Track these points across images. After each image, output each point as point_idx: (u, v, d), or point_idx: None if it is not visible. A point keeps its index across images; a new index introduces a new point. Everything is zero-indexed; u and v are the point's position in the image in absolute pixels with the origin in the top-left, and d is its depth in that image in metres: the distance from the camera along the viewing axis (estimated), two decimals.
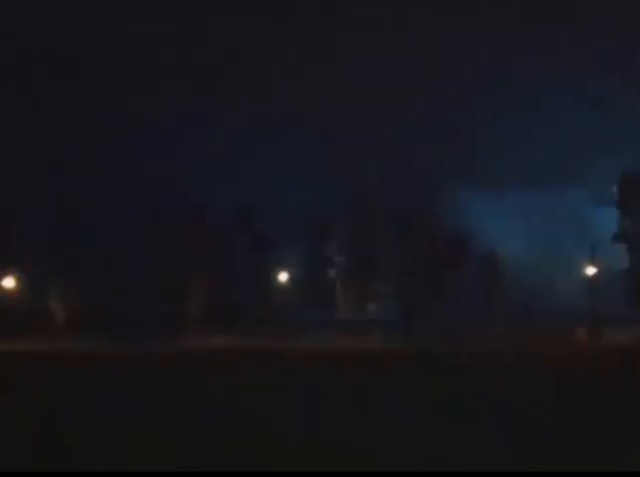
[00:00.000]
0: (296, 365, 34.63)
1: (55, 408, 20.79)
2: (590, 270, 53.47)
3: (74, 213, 58.92)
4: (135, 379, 29.12)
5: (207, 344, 48.24)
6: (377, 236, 60.63)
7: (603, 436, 15.91)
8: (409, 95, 58.38)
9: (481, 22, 58.97)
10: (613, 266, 55.44)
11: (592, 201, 57.86)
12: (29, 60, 59.97)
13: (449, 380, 27.31)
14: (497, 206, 57.98)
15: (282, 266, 60.66)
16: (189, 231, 59.04)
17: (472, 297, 55.27)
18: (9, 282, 56.15)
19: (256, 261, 61.09)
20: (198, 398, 22.91)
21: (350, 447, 14.92)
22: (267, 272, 60.81)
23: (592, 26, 57.26)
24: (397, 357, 38.91)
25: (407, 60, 59.67)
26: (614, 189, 57.23)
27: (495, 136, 58.45)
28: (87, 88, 60.00)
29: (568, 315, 51.01)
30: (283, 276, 60.89)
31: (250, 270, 61.20)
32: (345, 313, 61.15)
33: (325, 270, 63.79)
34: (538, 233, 56.74)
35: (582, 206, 57.63)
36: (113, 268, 58.05)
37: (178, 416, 19.17)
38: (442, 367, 33.06)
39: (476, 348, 42.01)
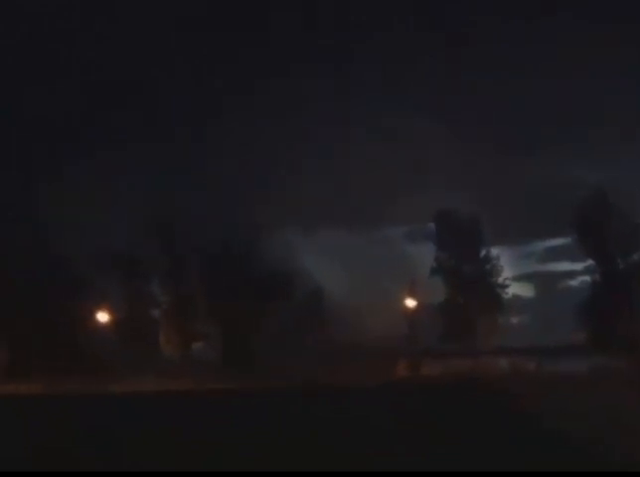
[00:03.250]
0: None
1: None
2: (410, 303, 54.76)
3: None
4: None
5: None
6: (197, 275, 59.59)
7: None
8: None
9: None
10: (431, 300, 57.24)
11: (409, 237, 59.80)
12: None
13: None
14: (317, 246, 58.83)
15: (102, 306, 58.26)
16: None
17: (296, 334, 55.50)
18: None
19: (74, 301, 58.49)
20: None
21: None
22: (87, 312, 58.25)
23: None
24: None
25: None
26: (431, 225, 59.34)
27: (312, 180, 59.70)
28: None
29: (390, 349, 52.07)
30: (103, 317, 58.37)
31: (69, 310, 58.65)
32: (169, 353, 59.48)
33: (148, 310, 61.95)
34: (358, 272, 57.85)
35: (400, 243, 59.44)
36: None
37: None
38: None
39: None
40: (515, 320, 61.35)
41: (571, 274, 64.52)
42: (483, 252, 58.56)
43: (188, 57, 61.14)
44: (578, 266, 60.25)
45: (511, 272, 60.47)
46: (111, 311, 58.36)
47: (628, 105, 60.87)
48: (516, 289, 61.18)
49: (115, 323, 58.37)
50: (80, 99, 59.09)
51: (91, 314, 57.71)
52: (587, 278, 57.96)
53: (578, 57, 59.18)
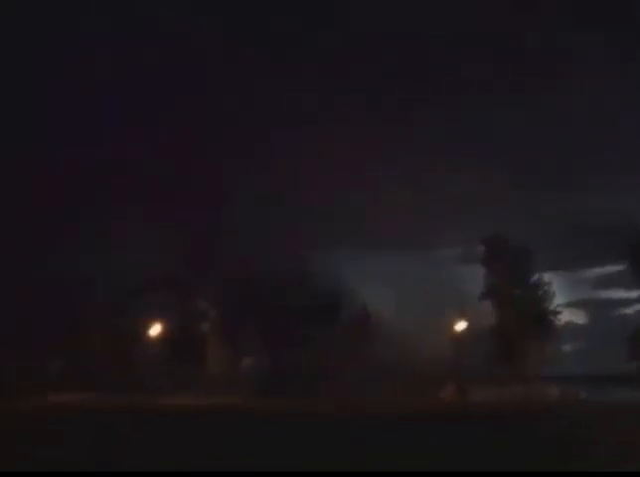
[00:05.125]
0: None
1: None
2: (459, 327, 54.44)
3: None
4: None
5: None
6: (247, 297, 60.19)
7: None
8: None
9: None
10: (481, 324, 56.69)
11: (461, 260, 59.33)
12: None
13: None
14: (369, 269, 58.66)
15: (153, 321, 59.01)
16: None
17: (342, 356, 55.52)
18: None
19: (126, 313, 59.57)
20: None
21: None
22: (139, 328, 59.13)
23: None
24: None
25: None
26: (481, 248, 58.81)
27: (366, 201, 59.68)
28: None
29: (438, 373, 51.78)
30: (155, 330, 59.12)
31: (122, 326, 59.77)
32: (218, 368, 59.92)
33: (198, 324, 62.62)
34: (409, 293, 57.54)
35: (452, 265, 59.00)
36: None
37: None
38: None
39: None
40: (567, 347, 60.44)
41: (626, 302, 63.36)
42: (535, 277, 57.97)
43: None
44: (633, 294, 59.19)
45: (563, 299, 59.78)
46: (162, 326, 59.09)
47: None
48: (568, 316, 60.44)
49: (165, 338, 59.08)
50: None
51: (144, 329, 58.53)
52: None
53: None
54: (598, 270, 66.36)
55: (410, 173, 59.21)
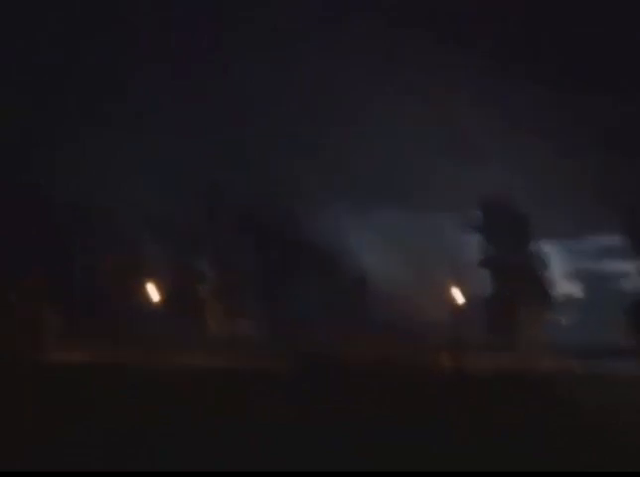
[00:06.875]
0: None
1: None
2: (454, 293, 54.48)
3: None
4: None
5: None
6: (242, 249, 60.23)
7: None
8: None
9: None
10: (476, 292, 56.69)
11: (458, 226, 59.10)
12: None
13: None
14: (367, 224, 58.48)
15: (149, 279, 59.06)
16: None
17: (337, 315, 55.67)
18: None
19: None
20: None
21: None
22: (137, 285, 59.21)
23: None
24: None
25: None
26: (479, 215, 58.53)
27: (369, 155, 58.87)
28: None
29: (431, 337, 51.95)
30: (152, 290, 59.21)
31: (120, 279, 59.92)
32: (214, 330, 60.14)
33: (195, 285, 62.80)
34: (405, 254, 57.43)
35: (449, 230, 58.71)
36: None
37: None
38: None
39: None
40: (563, 318, 60.49)
41: (625, 275, 63.21)
42: (532, 247, 57.87)
43: None
44: (632, 267, 59.01)
45: (561, 269, 59.67)
46: (159, 285, 59.15)
47: None
48: (565, 287, 60.38)
49: (162, 297, 59.17)
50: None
51: (142, 287, 58.60)
52: None
53: None
54: (598, 240, 66.12)
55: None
